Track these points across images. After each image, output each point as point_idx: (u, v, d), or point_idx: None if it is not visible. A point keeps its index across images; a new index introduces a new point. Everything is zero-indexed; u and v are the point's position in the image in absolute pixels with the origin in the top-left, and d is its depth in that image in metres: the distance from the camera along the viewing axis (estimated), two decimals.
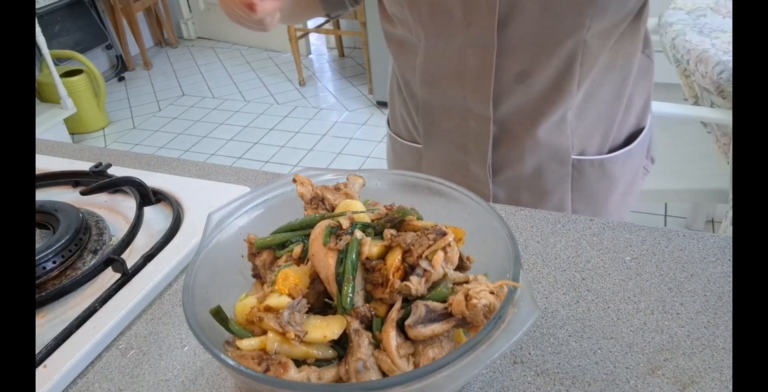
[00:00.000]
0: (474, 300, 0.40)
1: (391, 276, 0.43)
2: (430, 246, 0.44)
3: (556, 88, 0.69)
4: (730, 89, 1.38)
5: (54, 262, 0.63)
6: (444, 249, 0.44)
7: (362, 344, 0.42)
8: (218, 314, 0.46)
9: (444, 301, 0.43)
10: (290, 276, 0.45)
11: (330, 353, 0.43)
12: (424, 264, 0.43)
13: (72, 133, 3.02)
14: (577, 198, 0.80)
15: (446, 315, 0.42)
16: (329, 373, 0.42)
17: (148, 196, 0.74)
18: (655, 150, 0.87)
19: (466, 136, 0.76)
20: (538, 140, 0.74)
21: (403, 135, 0.87)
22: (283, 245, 0.50)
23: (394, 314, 0.42)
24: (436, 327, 0.42)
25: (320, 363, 0.43)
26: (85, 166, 0.81)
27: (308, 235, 0.48)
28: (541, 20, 0.63)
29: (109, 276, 0.62)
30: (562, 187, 0.79)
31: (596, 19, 0.62)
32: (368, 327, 0.44)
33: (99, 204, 0.76)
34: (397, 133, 0.89)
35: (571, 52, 0.65)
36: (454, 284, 0.46)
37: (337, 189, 0.54)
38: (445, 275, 0.45)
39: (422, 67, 0.73)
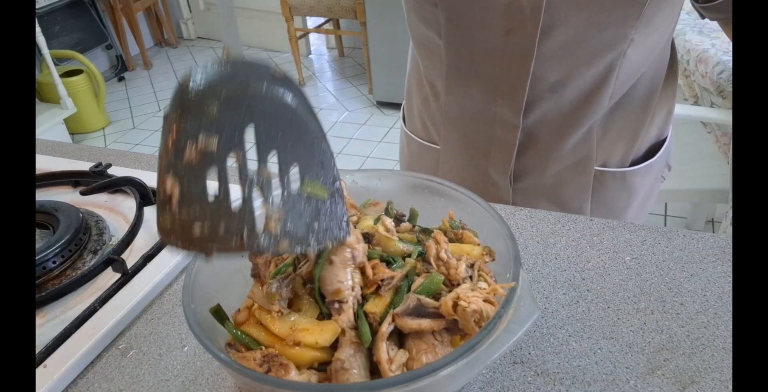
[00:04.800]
0: (463, 303, 0.40)
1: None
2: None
3: (588, 99, 0.67)
4: (730, 89, 1.38)
5: (54, 262, 0.63)
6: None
7: (345, 344, 0.42)
8: (218, 313, 0.46)
9: (438, 297, 0.43)
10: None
11: (330, 355, 0.43)
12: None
13: (72, 133, 3.02)
14: (596, 208, 0.79)
15: (438, 314, 0.42)
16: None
17: (148, 196, 0.74)
18: (672, 156, 0.86)
19: (490, 142, 0.75)
20: (563, 149, 0.73)
21: (420, 134, 0.86)
22: None
23: (385, 327, 0.42)
24: (424, 323, 0.41)
25: (322, 367, 0.42)
26: (85, 166, 0.81)
27: None
28: (583, 31, 0.61)
29: (109, 276, 0.62)
30: (581, 197, 0.78)
31: (639, 31, 0.61)
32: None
33: (99, 204, 0.76)
34: (414, 132, 0.87)
35: (610, 64, 0.64)
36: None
37: None
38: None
39: (450, 71, 0.72)
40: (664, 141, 0.80)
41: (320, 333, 0.42)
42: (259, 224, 0.38)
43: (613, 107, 0.70)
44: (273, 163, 0.40)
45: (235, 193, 0.38)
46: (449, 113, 0.77)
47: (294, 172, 0.40)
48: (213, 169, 0.37)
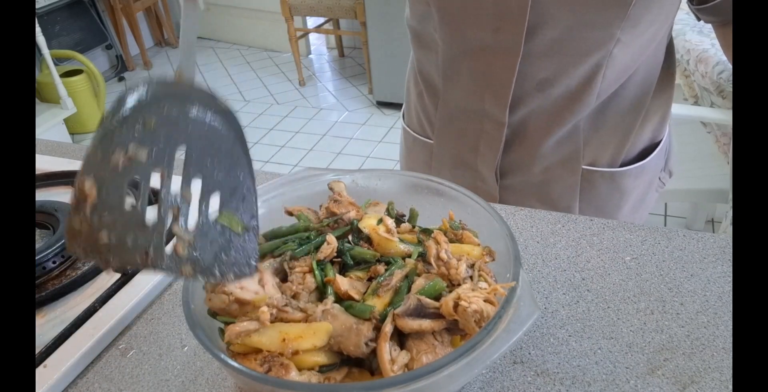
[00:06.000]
0: (464, 303, 0.40)
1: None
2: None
3: (574, 98, 0.68)
4: (730, 89, 1.38)
5: (54, 262, 0.63)
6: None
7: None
8: (217, 314, 0.46)
9: (438, 298, 0.43)
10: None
11: (331, 357, 0.43)
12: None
13: (72, 133, 3.01)
14: (586, 208, 0.79)
15: (438, 314, 0.42)
16: (338, 376, 0.42)
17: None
18: (674, 163, 0.86)
19: (479, 137, 0.76)
20: (549, 147, 0.73)
21: (415, 128, 0.87)
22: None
23: (387, 328, 0.42)
24: (425, 323, 0.41)
25: (323, 368, 0.42)
26: None
27: (297, 241, 0.49)
28: (570, 30, 0.62)
29: (109, 276, 0.62)
30: (570, 196, 0.78)
31: (626, 32, 0.62)
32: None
33: None
34: (410, 126, 0.88)
35: (596, 64, 0.65)
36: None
37: (335, 201, 0.54)
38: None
39: (444, 66, 0.73)
40: (658, 144, 0.80)
41: (314, 336, 0.41)
42: (168, 245, 0.38)
43: (601, 106, 0.71)
44: (195, 188, 0.40)
45: (151, 210, 0.38)
46: (443, 107, 0.78)
47: (214, 201, 0.41)
48: (133, 180, 0.37)
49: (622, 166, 0.77)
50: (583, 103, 0.68)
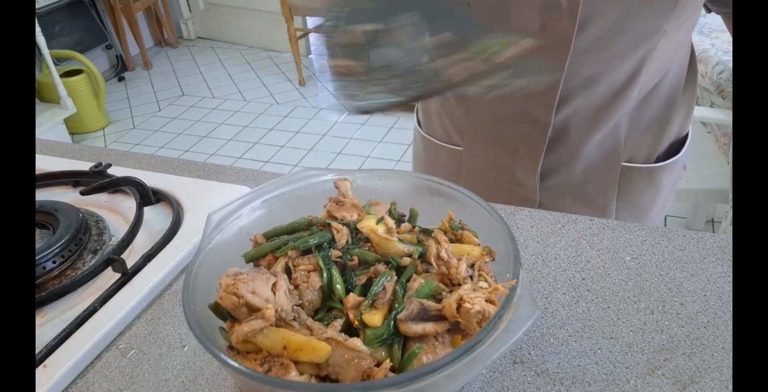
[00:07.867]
0: (467, 305, 0.40)
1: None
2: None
3: (618, 94, 0.67)
4: (730, 89, 1.38)
5: (54, 262, 0.63)
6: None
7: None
8: (218, 309, 0.46)
9: (439, 300, 0.43)
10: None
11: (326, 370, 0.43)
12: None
13: (72, 133, 3.01)
14: (622, 205, 0.79)
15: (441, 316, 0.42)
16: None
17: (148, 196, 0.74)
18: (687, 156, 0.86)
19: (518, 140, 0.74)
20: (592, 145, 0.72)
21: (439, 136, 0.84)
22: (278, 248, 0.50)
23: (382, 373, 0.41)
24: (428, 327, 0.41)
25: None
26: (85, 166, 0.81)
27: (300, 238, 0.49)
28: (618, 24, 0.61)
29: (109, 276, 0.62)
30: (608, 194, 0.78)
31: (672, 23, 0.61)
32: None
33: (99, 204, 0.76)
34: (432, 135, 0.85)
35: (642, 57, 0.64)
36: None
37: (338, 202, 0.54)
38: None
39: None
40: (685, 137, 0.80)
41: (312, 353, 0.41)
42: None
43: (640, 102, 0.70)
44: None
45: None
46: (476, 113, 0.76)
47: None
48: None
49: (656, 161, 0.77)
50: (627, 98, 0.68)
